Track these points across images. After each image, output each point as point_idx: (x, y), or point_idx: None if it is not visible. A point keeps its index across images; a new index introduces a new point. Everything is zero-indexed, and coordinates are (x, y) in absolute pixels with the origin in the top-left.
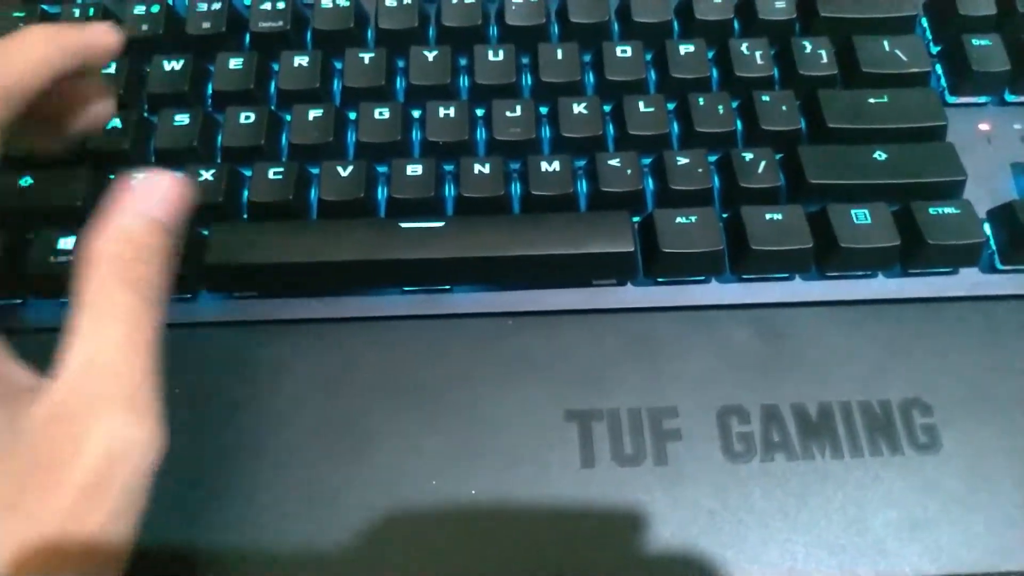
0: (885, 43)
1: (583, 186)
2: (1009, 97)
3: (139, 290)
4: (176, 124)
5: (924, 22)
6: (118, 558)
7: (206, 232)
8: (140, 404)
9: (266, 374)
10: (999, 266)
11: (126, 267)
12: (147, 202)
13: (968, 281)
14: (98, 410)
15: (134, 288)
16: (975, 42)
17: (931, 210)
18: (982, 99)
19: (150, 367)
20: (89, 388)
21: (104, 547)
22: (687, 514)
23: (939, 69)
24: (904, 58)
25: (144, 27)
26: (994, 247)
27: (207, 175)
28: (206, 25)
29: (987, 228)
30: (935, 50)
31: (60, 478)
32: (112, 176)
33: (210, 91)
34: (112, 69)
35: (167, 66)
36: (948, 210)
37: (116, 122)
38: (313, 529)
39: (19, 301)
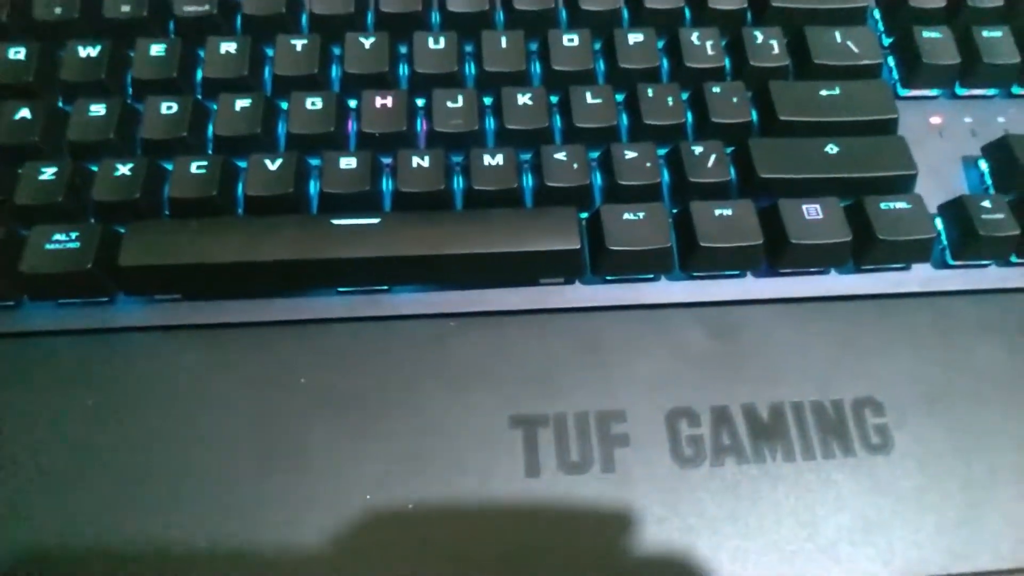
0: (837, 34)
1: (528, 180)
2: (960, 90)
3: None
4: (92, 115)
5: (876, 13)
6: None
7: (123, 231)
8: None
9: (191, 382)
10: (950, 261)
11: None
12: None
13: (920, 277)
14: None
15: None
16: (925, 34)
17: (882, 205)
18: (933, 92)
19: None
20: None
21: None
22: (635, 522)
23: (891, 61)
24: (856, 50)
25: (57, 10)
26: (945, 242)
27: (124, 169)
28: (126, 8)
29: (939, 223)
30: (887, 42)
31: None
32: (20, 171)
33: (130, 79)
34: (22, 54)
35: (83, 52)
36: (899, 205)
37: (26, 112)
38: (241, 546)
39: None
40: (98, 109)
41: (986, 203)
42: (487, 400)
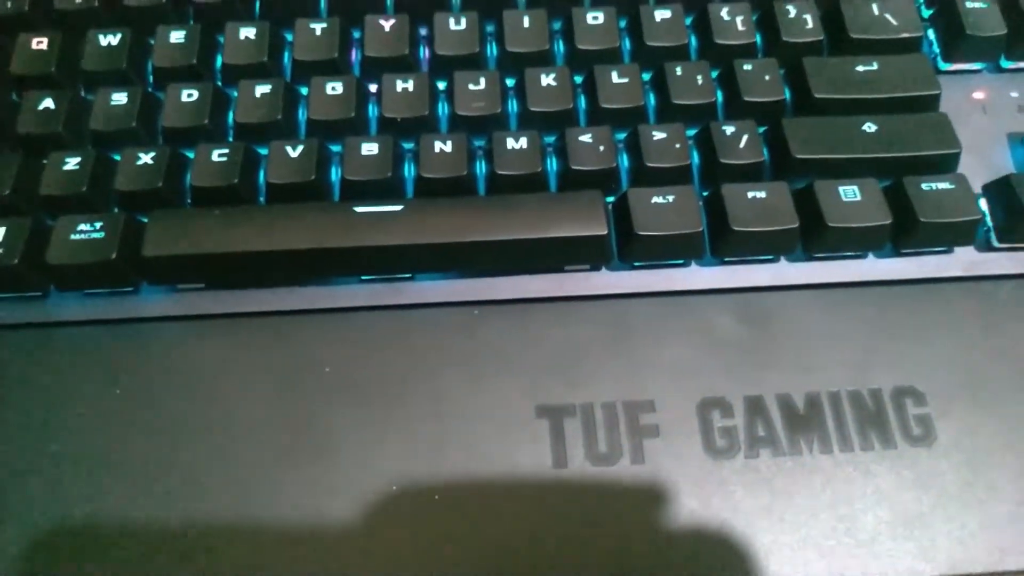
0: (874, 6)
1: (553, 164)
2: (1005, 63)
3: None
4: (114, 104)
5: None
6: None
7: (146, 220)
8: None
9: (215, 371)
10: (996, 244)
11: None
12: None
13: (963, 260)
14: None
15: None
16: (969, 4)
17: (924, 185)
18: (977, 65)
19: None
20: None
21: None
22: (666, 516)
23: (931, 34)
24: (894, 22)
25: (78, 0)
26: (990, 224)
27: (147, 158)
28: None
29: (983, 204)
30: (927, 14)
31: None
32: (45, 161)
33: (150, 68)
34: (44, 44)
35: (103, 41)
36: (942, 185)
37: (49, 102)
38: (267, 532)
39: None
40: (120, 98)
41: None
42: (512, 389)
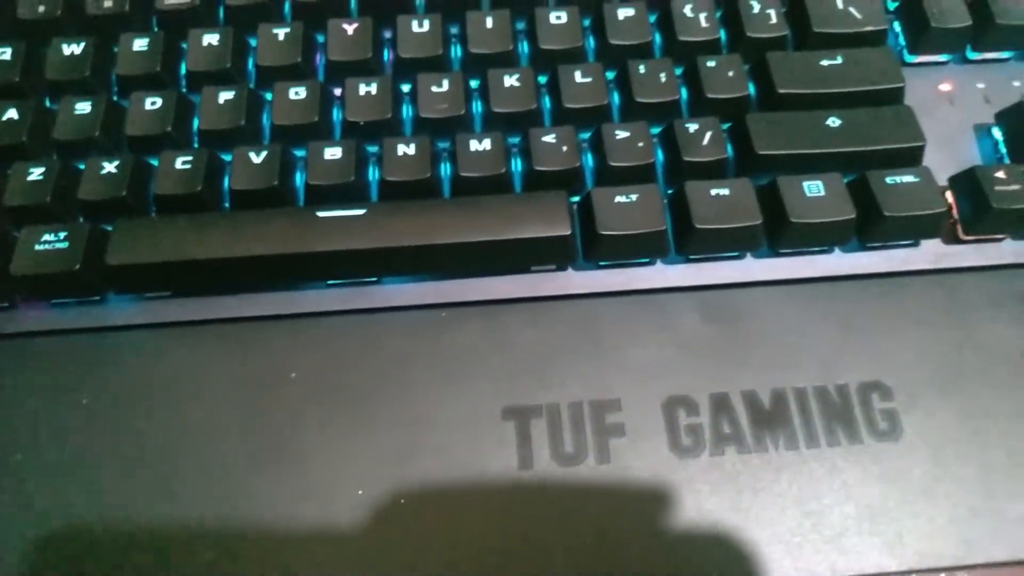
0: (838, 0)
1: (517, 165)
2: (971, 54)
3: None
4: (77, 113)
5: None
6: None
7: (110, 228)
8: None
9: (183, 378)
10: (962, 236)
11: None
12: None
13: (930, 253)
14: None
15: None
16: None
17: (888, 179)
18: (943, 57)
19: None
20: None
21: None
22: (630, 516)
23: (896, 26)
24: (859, 16)
25: (41, 8)
26: (957, 216)
27: (111, 167)
28: (108, 4)
29: (949, 196)
30: (892, 6)
31: None
32: (8, 172)
33: (114, 76)
34: (7, 55)
35: (67, 50)
36: (906, 179)
37: (13, 112)
38: (235, 539)
39: None
40: (83, 107)
41: (1000, 174)
42: (480, 391)
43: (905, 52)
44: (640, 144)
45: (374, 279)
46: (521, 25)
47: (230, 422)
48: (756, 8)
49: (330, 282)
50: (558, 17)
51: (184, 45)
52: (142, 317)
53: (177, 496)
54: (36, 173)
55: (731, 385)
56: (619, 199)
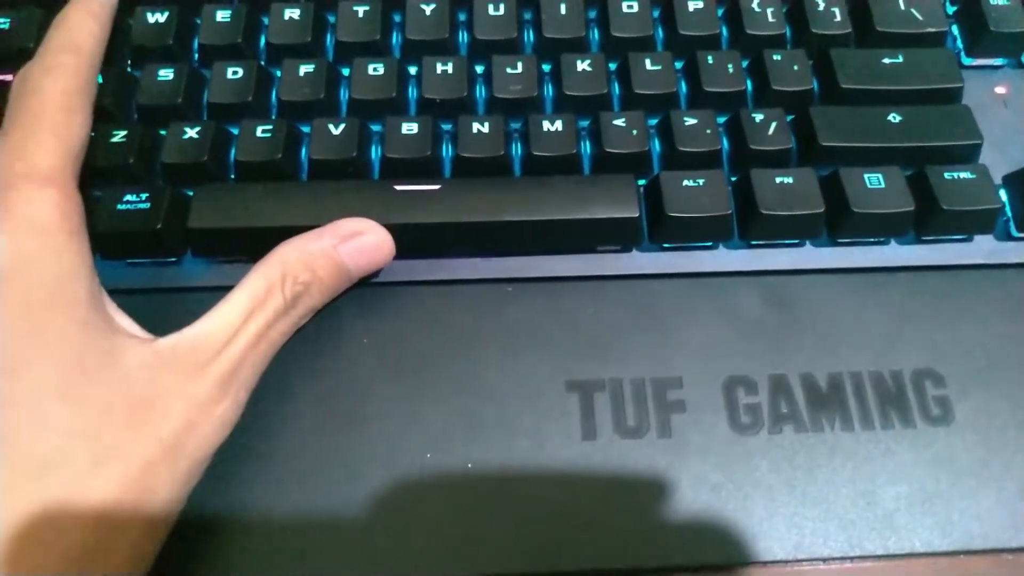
0: (900, 1)
1: (587, 147)
2: None
3: (292, 305)
4: (160, 79)
5: None
6: (166, 527)
7: (191, 193)
8: (231, 387)
9: None
10: (1015, 233)
11: (294, 285)
12: (353, 249)
13: (983, 248)
14: (197, 376)
15: (289, 304)
16: (993, 1)
17: (946, 175)
18: (999, 61)
19: (261, 368)
20: (199, 354)
21: (161, 510)
22: (691, 488)
23: (955, 30)
24: (920, 17)
25: None
26: (1010, 214)
27: (192, 133)
28: None
29: (1003, 194)
30: (951, 10)
31: (148, 427)
32: (92, 134)
33: (196, 45)
34: None
35: (151, 19)
36: (964, 175)
37: (97, 77)
38: (307, 501)
39: None
40: (166, 74)
41: None
42: (544, 364)
43: (963, 54)
44: (707, 131)
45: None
46: (593, 13)
47: (300, 383)
48: (821, 6)
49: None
50: (630, 6)
51: (265, 19)
52: (217, 280)
53: (245, 456)
54: (119, 136)
55: (789, 367)
56: (687, 183)
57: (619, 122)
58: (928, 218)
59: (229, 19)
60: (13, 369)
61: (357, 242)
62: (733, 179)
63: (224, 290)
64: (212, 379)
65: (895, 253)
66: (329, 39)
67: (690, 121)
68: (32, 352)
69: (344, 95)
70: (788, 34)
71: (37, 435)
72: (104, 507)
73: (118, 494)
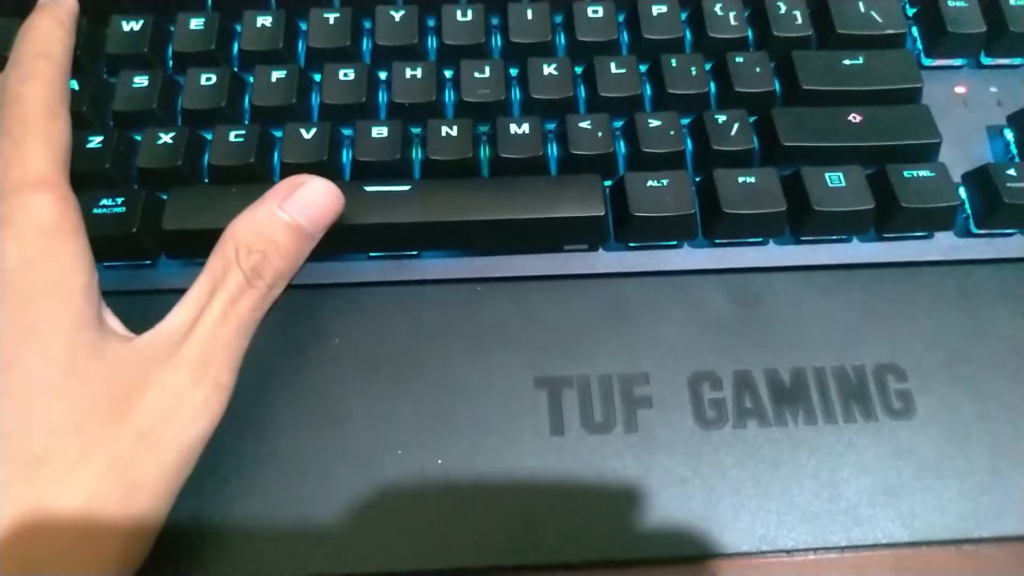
0: (860, 4)
1: (553, 149)
2: (985, 59)
3: (255, 279)
4: (135, 86)
5: None
6: (155, 525)
7: (165, 196)
8: (209, 372)
9: None
10: (974, 230)
11: (249, 256)
12: (296, 204)
13: (943, 245)
14: (168, 364)
15: (250, 275)
16: (951, 3)
17: (906, 173)
18: (958, 61)
19: (236, 347)
20: (170, 344)
21: (149, 505)
22: (657, 482)
23: (915, 31)
24: (879, 19)
25: None
26: (969, 211)
27: (167, 138)
28: None
29: (962, 192)
30: (911, 12)
31: (127, 420)
32: None
33: (170, 52)
34: None
35: (126, 27)
36: (923, 173)
37: (73, 84)
38: (279, 499)
39: None
40: (141, 81)
41: (1011, 171)
42: (513, 362)
43: (922, 55)
44: (671, 132)
45: (414, 253)
46: (559, 18)
47: (272, 383)
48: (783, 9)
49: (372, 254)
50: (595, 11)
51: (238, 26)
52: (190, 282)
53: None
54: (95, 141)
55: (753, 363)
56: (651, 183)
57: (585, 124)
58: (889, 216)
59: (203, 27)
60: (7, 364)
61: (300, 195)
62: (697, 179)
63: None
64: (183, 364)
65: (857, 250)
66: (300, 45)
67: (654, 123)
68: (25, 346)
69: (315, 100)
70: (750, 37)
71: (29, 430)
72: (92, 501)
73: (104, 488)
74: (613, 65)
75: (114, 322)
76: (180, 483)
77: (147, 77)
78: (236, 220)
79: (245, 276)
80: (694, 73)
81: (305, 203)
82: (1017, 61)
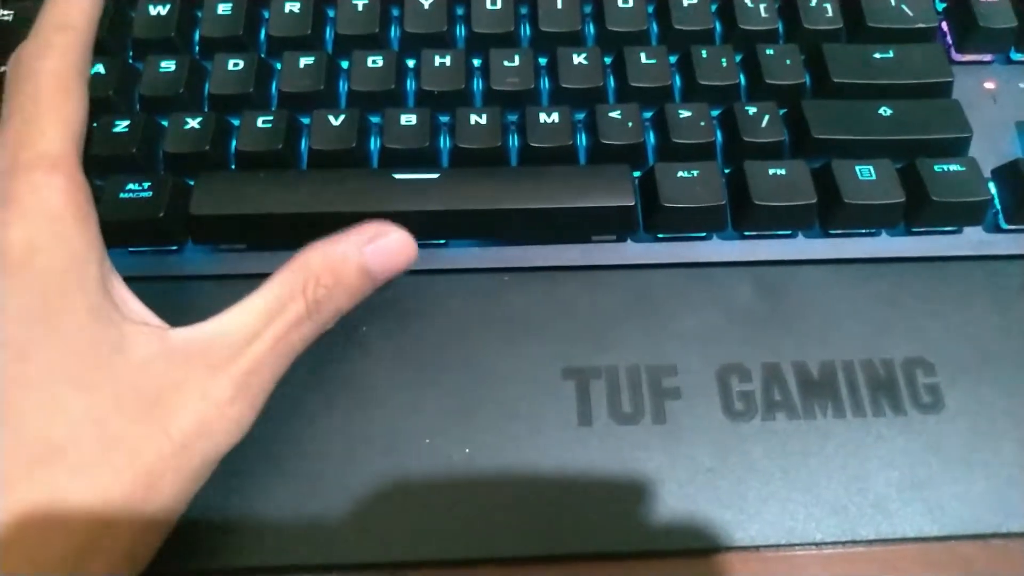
0: None
1: (582, 139)
2: (1015, 55)
3: (314, 311)
4: (162, 71)
5: None
6: (167, 528)
7: (192, 182)
8: (248, 389)
9: None
10: (1003, 225)
11: (316, 288)
12: (376, 250)
13: (972, 240)
14: (214, 373)
15: (312, 307)
16: None
17: (936, 167)
18: (988, 57)
19: (278, 374)
20: (217, 351)
21: (164, 509)
22: (685, 473)
23: (945, 26)
24: (910, 13)
25: None
26: (999, 206)
27: (194, 123)
28: None
29: (992, 187)
30: (941, 6)
31: (157, 422)
32: (95, 124)
33: (197, 37)
34: None
35: (153, 11)
36: (953, 167)
37: (99, 68)
38: (305, 487)
39: None
40: (168, 66)
41: None
42: (540, 352)
43: (953, 50)
44: (701, 124)
45: (442, 242)
46: (588, 8)
47: (299, 371)
48: (813, 2)
49: None
50: (625, 1)
51: (265, 12)
52: (217, 268)
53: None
54: (122, 126)
55: (782, 355)
56: (681, 174)
57: (615, 114)
58: (918, 210)
59: (230, 12)
60: (24, 353)
61: (381, 243)
62: (727, 171)
63: (225, 278)
64: (229, 380)
65: (886, 244)
66: (329, 32)
67: (684, 114)
68: (43, 338)
69: (343, 87)
70: (780, 29)
71: (47, 419)
72: (107, 499)
73: (122, 487)
74: (643, 56)
75: (140, 308)
76: (195, 491)
77: (174, 62)
78: (313, 248)
79: (308, 307)
80: (724, 64)
81: (385, 253)
82: None
